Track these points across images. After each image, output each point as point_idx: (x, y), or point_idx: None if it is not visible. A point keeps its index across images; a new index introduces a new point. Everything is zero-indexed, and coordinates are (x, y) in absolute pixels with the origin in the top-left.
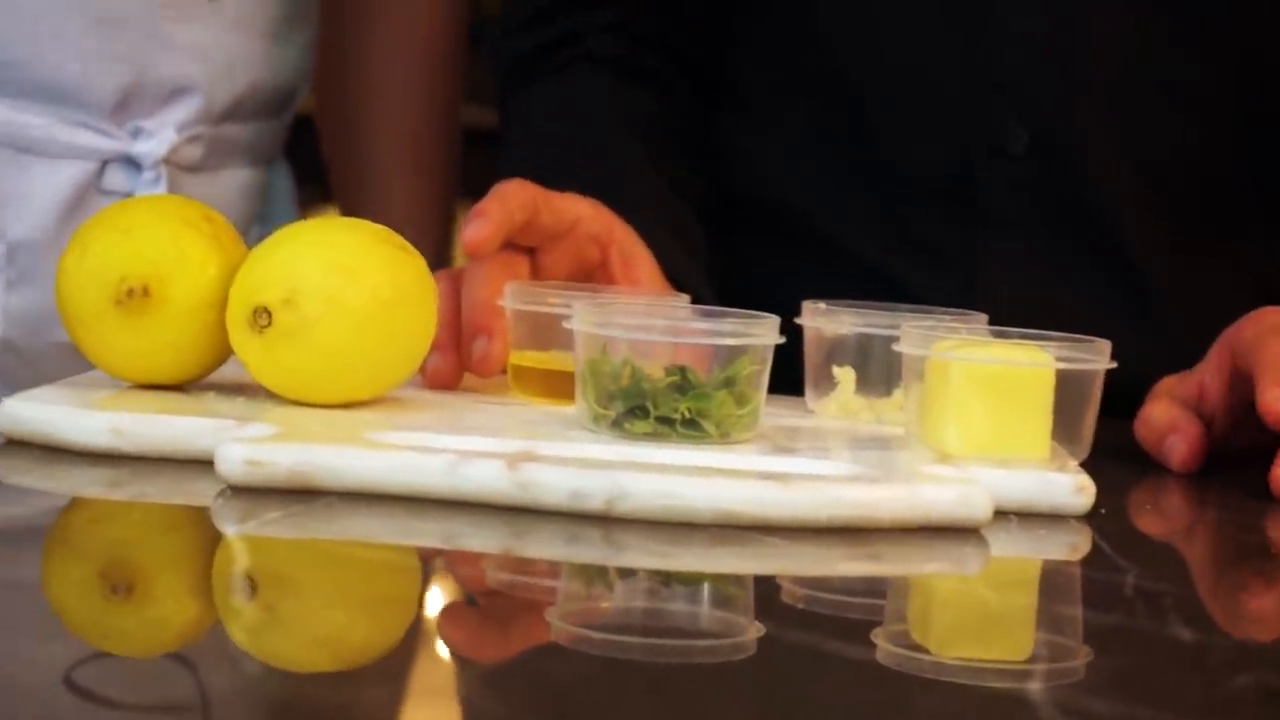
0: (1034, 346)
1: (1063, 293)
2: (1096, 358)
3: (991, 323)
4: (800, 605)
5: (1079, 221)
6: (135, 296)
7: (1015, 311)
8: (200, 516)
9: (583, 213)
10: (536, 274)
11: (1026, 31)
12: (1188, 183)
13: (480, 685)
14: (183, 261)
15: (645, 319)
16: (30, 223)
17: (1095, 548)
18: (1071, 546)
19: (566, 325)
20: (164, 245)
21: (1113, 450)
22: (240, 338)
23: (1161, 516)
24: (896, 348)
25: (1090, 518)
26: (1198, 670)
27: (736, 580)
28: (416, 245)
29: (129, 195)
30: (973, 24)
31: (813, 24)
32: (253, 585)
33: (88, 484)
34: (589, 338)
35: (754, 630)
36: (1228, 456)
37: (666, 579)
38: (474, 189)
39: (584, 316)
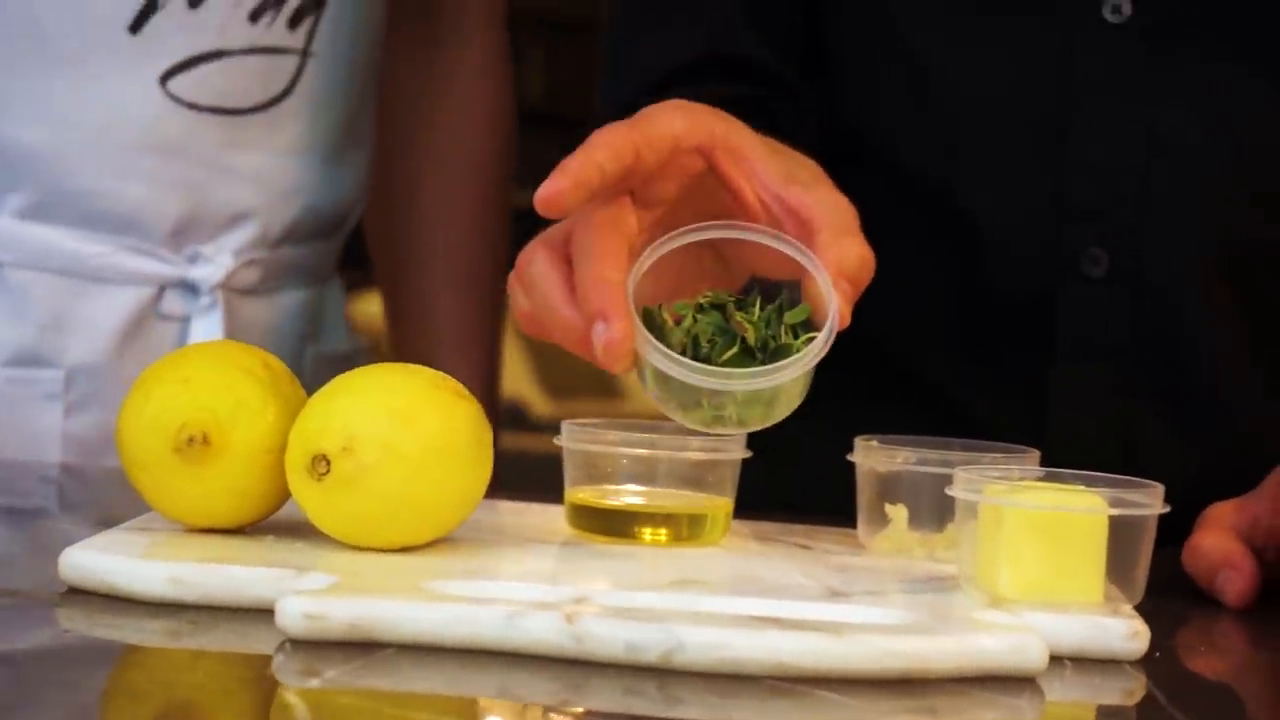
0: (1087, 491)
1: (1137, 427)
2: (1150, 503)
3: (1058, 452)
4: None
5: (1162, 354)
6: (195, 444)
7: (1086, 443)
8: (261, 668)
9: (677, 128)
10: (645, 210)
11: (1102, 159)
12: None
13: None
14: (240, 408)
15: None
16: (89, 348)
17: (1149, 695)
18: (1125, 693)
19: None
20: (221, 393)
21: (1167, 583)
22: (299, 484)
23: (1215, 657)
24: (949, 491)
25: (1145, 662)
26: None
27: None
28: (461, 362)
29: (186, 319)
30: (1051, 147)
31: (890, 140)
32: None
33: (147, 634)
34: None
35: None
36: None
37: None
38: None
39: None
